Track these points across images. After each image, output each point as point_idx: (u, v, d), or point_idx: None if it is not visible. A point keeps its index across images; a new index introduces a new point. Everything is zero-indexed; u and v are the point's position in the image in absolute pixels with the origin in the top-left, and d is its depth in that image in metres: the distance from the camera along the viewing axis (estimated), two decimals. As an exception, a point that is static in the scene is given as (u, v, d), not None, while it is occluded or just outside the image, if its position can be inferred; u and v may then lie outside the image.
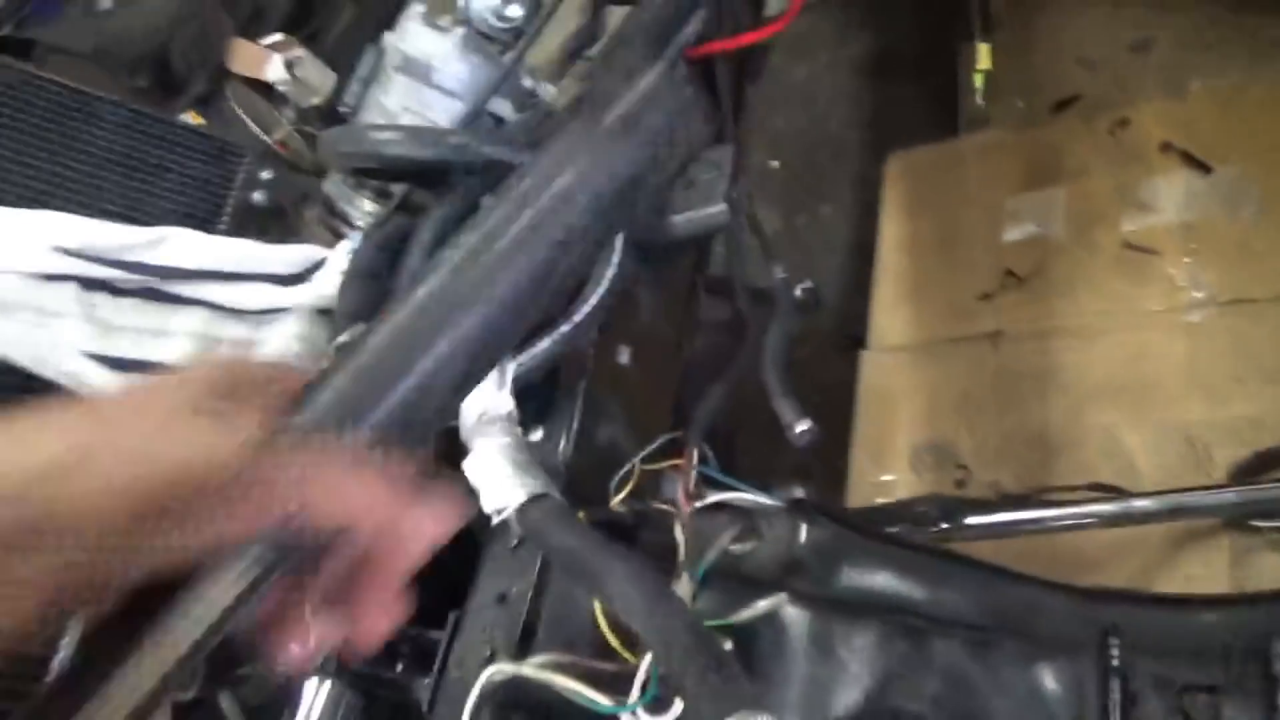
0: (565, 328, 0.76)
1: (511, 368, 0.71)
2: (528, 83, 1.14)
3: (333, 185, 1.19)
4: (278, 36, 1.29)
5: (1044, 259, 1.53)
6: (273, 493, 0.33)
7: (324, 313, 1.04)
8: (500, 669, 0.71)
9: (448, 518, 0.37)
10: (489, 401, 0.70)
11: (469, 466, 0.70)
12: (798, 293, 1.74)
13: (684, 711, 0.56)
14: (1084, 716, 0.62)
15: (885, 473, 1.47)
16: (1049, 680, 0.65)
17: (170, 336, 0.98)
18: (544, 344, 0.76)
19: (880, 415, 1.53)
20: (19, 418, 0.34)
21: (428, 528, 0.36)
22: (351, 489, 0.35)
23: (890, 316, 1.64)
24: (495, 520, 0.69)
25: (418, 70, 1.11)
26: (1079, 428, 1.35)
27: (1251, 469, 1.07)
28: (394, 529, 0.36)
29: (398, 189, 1.16)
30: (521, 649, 0.72)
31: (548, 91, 1.14)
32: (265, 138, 1.28)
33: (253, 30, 1.48)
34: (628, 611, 0.64)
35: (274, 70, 1.35)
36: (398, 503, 0.36)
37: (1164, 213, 1.45)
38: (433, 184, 1.01)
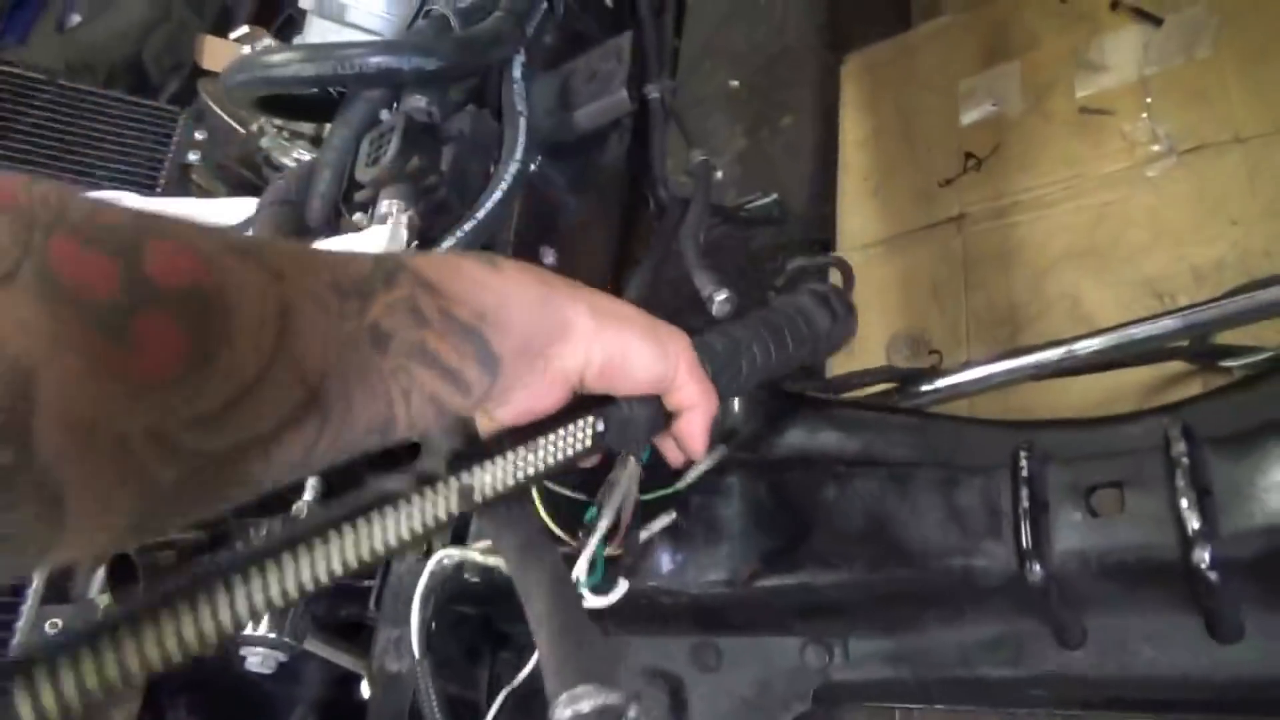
0: (467, 226, 0.77)
1: (413, 267, 0.72)
2: (440, 6, 1.13)
3: (269, 140, 1.21)
4: (245, 29, 1.29)
5: (1001, 136, 1.51)
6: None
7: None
8: (447, 553, 0.72)
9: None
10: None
11: None
12: (766, 200, 1.73)
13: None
14: (998, 528, 0.63)
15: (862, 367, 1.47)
16: (964, 499, 0.66)
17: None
18: (445, 245, 0.77)
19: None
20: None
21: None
22: (701, 391, 0.55)
23: (857, 216, 1.63)
24: None
25: (332, 10, 1.11)
26: (1044, 298, 1.34)
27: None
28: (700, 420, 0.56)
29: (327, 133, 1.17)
30: (457, 539, 0.74)
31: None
32: (242, 130, 1.29)
33: (223, 26, 1.49)
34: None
35: (244, 64, 1.36)
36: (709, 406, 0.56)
37: (1118, 71, 1.42)
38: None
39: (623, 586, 0.66)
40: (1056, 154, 1.43)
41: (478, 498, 0.47)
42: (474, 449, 0.49)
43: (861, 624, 0.71)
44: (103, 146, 1.11)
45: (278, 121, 1.18)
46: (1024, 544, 0.61)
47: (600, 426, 0.53)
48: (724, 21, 2.05)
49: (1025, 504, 0.61)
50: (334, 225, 0.84)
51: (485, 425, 0.52)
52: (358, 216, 0.79)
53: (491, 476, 0.48)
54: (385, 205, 0.76)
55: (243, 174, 1.21)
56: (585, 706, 0.46)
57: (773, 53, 1.98)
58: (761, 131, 1.90)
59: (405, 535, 0.44)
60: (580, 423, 0.52)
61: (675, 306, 0.88)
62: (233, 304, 0.34)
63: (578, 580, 0.64)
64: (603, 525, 0.63)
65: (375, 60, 0.80)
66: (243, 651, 0.72)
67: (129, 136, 1.13)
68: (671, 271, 0.97)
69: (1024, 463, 0.63)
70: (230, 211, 1.09)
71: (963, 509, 0.65)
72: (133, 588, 0.69)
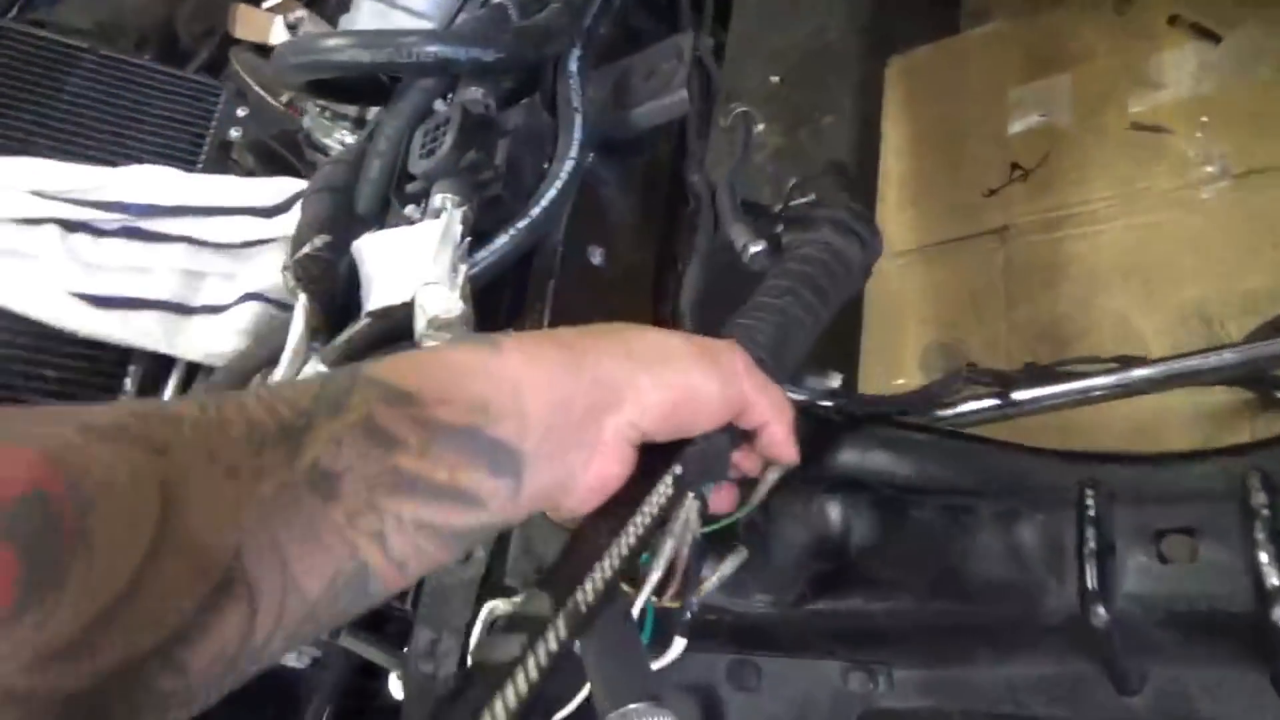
0: (521, 224, 0.75)
1: (464, 269, 0.70)
2: (496, -4, 1.11)
3: (310, 119, 1.19)
4: (278, -1, 1.28)
5: (1050, 148, 1.48)
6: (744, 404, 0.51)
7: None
8: (496, 605, 0.68)
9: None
10: (441, 304, 0.69)
11: None
12: (804, 201, 1.71)
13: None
14: (1061, 569, 0.61)
15: (897, 377, 1.45)
16: (1026, 537, 0.64)
17: (152, 273, 0.99)
18: (500, 242, 0.75)
19: (889, 321, 1.51)
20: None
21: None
22: (773, 402, 0.53)
23: (895, 223, 1.60)
24: None
25: (382, -9, 1.09)
26: (1089, 316, 1.32)
27: (1263, 337, 1.03)
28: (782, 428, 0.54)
29: (373, 116, 1.15)
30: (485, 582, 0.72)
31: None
32: (272, 101, 1.28)
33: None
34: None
35: (277, 33, 1.35)
36: (785, 412, 0.54)
37: (1173, 88, 1.39)
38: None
39: (679, 646, 0.59)
40: (1107, 170, 1.40)
41: (584, 609, 0.42)
42: (568, 565, 0.43)
43: (908, 653, 0.69)
44: (144, 120, 1.10)
45: (321, 102, 1.17)
46: (1089, 585, 0.59)
47: (679, 470, 0.49)
48: (767, 17, 2.02)
49: (1092, 544, 0.60)
50: (382, 216, 0.83)
51: (559, 516, 0.47)
52: (409, 209, 0.78)
53: (593, 585, 0.42)
54: (439, 199, 0.75)
55: (282, 153, 1.20)
56: None
57: (815, 51, 1.95)
58: (801, 130, 1.88)
59: (528, 693, 0.38)
60: (660, 484, 0.47)
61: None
62: (90, 500, 0.29)
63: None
64: (654, 577, 0.53)
65: (433, 49, 0.78)
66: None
67: (171, 110, 1.11)
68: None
69: (1090, 501, 0.61)
70: (271, 192, 1.07)
71: (1024, 545, 0.63)
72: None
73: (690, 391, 0.47)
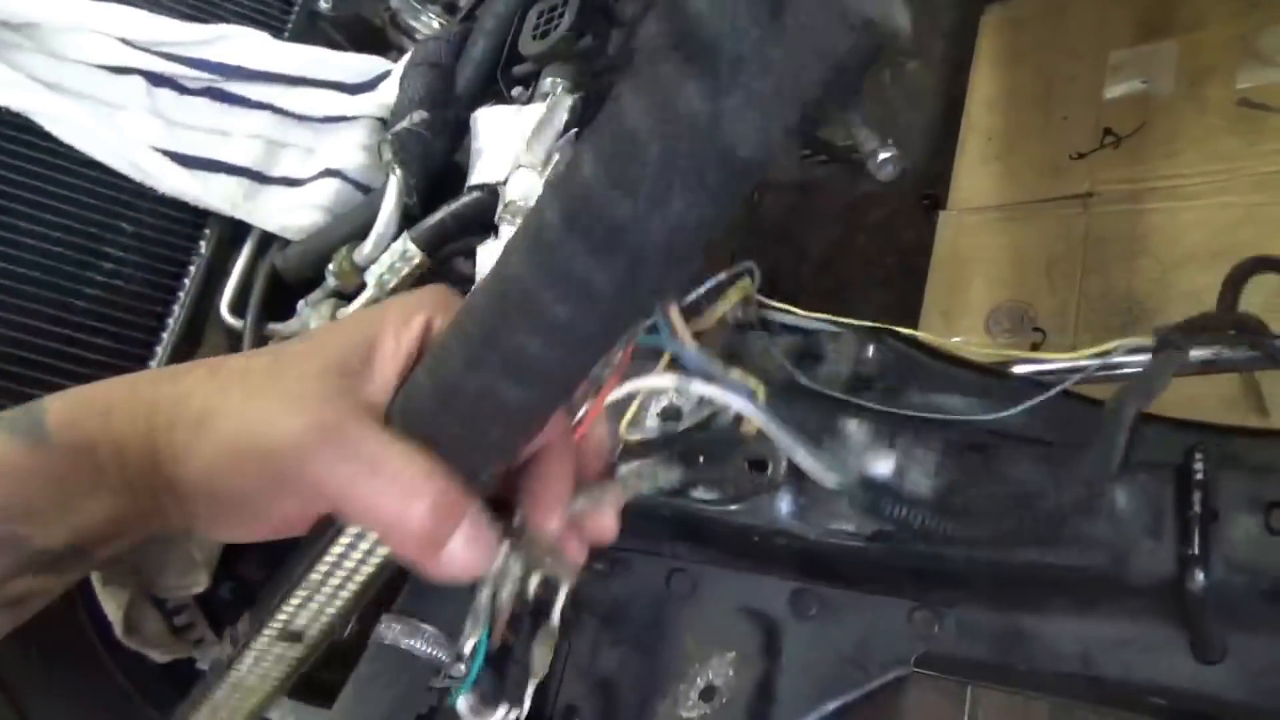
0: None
1: (559, 160, 0.68)
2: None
3: (399, 0, 1.16)
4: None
5: (1147, 117, 1.42)
6: (319, 489, 0.34)
7: (384, 123, 1.02)
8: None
9: (474, 562, 0.35)
10: (522, 189, 0.67)
11: (482, 250, 0.67)
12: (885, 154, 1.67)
13: None
14: (1159, 528, 0.59)
15: (957, 334, 1.42)
16: (1124, 496, 0.62)
17: (233, 137, 0.97)
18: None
19: (956, 277, 1.47)
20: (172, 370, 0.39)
21: (454, 563, 0.35)
22: (392, 503, 0.33)
23: (974, 177, 1.55)
24: None
25: None
26: (1166, 293, 1.28)
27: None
28: (419, 549, 0.34)
29: (464, 2, 1.12)
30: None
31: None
32: None
33: None
34: None
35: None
36: (435, 530, 0.34)
37: (1288, 66, 1.33)
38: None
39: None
40: (1207, 144, 1.35)
41: (313, 633, 0.40)
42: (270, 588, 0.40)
43: (980, 597, 0.68)
44: (233, -20, 1.06)
45: (414, -19, 1.13)
46: (1191, 549, 0.57)
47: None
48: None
49: (1196, 508, 0.58)
50: (483, 96, 0.80)
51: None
52: (516, 91, 0.75)
53: (307, 608, 0.39)
54: (548, 83, 0.72)
55: (368, 30, 1.17)
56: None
57: (908, -8, 1.88)
58: (883, 73, 1.82)
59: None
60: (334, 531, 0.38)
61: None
62: None
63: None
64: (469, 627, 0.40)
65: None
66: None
67: (261, -27, 1.08)
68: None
69: (1199, 465, 0.59)
70: (357, 68, 1.05)
71: (1121, 507, 0.62)
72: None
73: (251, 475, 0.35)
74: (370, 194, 0.89)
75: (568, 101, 0.69)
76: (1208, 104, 1.38)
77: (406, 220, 0.74)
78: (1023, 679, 0.67)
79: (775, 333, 0.90)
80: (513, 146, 0.69)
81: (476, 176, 0.70)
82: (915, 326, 1.44)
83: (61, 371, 0.80)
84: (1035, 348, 1.34)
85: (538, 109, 0.69)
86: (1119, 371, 0.87)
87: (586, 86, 0.73)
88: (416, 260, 0.72)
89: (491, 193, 0.68)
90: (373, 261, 0.74)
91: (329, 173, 0.96)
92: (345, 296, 0.78)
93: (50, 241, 0.84)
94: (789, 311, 0.88)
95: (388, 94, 1.00)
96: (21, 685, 0.83)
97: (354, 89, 1.03)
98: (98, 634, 0.88)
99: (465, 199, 0.70)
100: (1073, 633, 0.65)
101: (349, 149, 0.98)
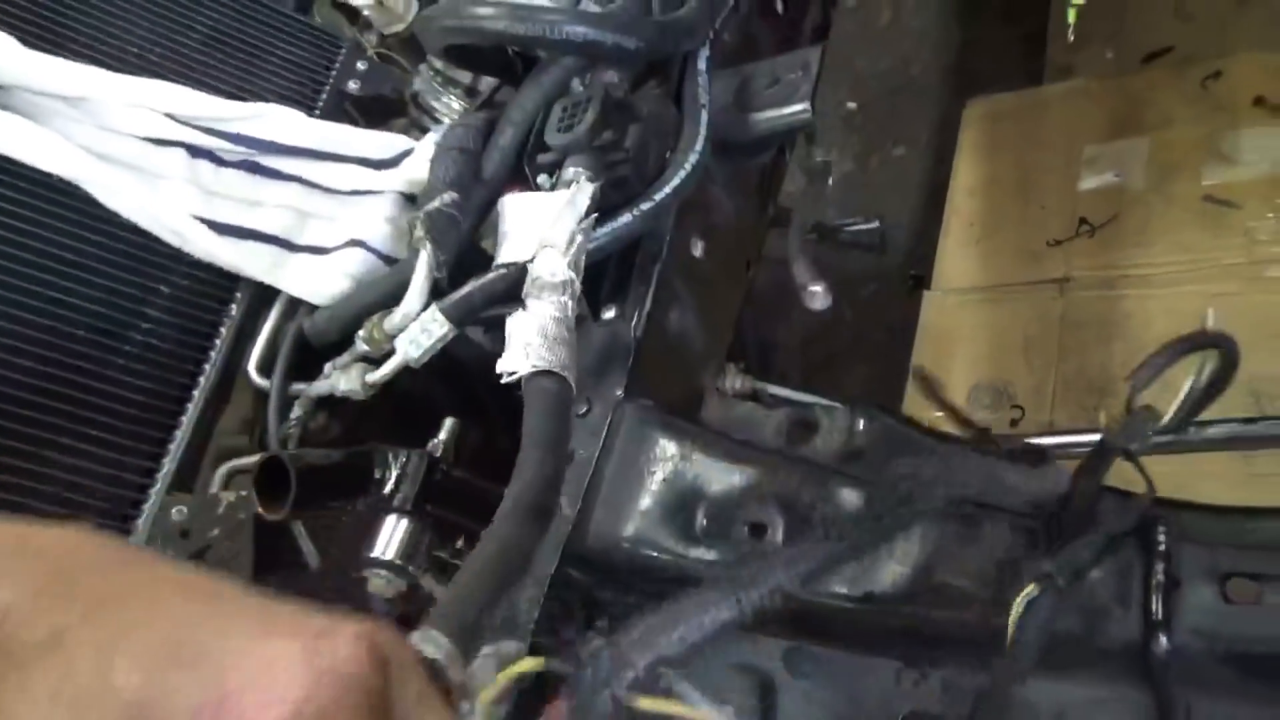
0: (645, 205, 0.79)
1: (580, 240, 0.74)
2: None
3: (423, 81, 1.23)
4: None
5: (1120, 208, 1.51)
6: None
7: (410, 199, 1.08)
8: None
9: None
10: (549, 268, 0.72)
11: (511, 322, 0.72)
12: (868, 227, 1.75)
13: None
14: (1126, 596, 0.65)
15: (938, 409, 1.48)
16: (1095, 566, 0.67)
17: (265, 207, 1.03)
18: (622, 220, 0.79)
19: (938, 354, 1.54)
20: None
21: None
22: None
23: (957, 259, 1.64)
24: (504, 380, 0.70)
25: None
26: (1141, 375, 1.35)
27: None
28: None
29: (485, 86, 1.19)
30: (585, 507, 0.76)
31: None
32: (368, 51, 1.31)
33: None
34: (502, 506, 0.61)
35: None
36: None
37: (1249, 166, 1.43)
38: (514, 77, 1.04)
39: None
40: (1174, 237, 1.43)
41: None
42: None
43: (963, 658, 0.72)
44: (269, 61, 1.13)
45: (437, 65, 1.21)
46: (1153, 615, 0.62)
47: None
48: (851, 43, 2.06)
49: (1160, 577, 0.63)
50: (507, 180, 0.87)
51: None
52: (541, 179, 0.82)
53: None
54: (570, 172, 0.79)
55: (390, 110, 1.24)
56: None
57: (896, 84, 1.99)
58: (872, 158, 1.91)
59: None
60: None
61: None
62: None
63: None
64: None
65: (582, 31, 0.82)
66: (366, 573, 0.75)
67: (295, 55, 1.15)
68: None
69: (1161, 537, 0.65)
70: (382, 145, 1.11)
71: (1091, 576, 0.67)
72: (284, 494, 0.72)
73: None
74: (396, 265, 0.95)
75: (589, 189, 0.76)
76: (1175, 198, 1.48)
77: (434, 293, 0.80)
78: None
79: (769, 405, 0.96)
80: (537, 229, 0.75)
81: (503, 256, 0.76)
82: (900, 400, 1.51)
83: (100, 425, 0.84)
84: (1014, 424, 1.40)
85: (562, 195, 0.75)
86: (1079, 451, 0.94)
87: (604, 175, 0.80)
88: (443, 331, 0.77)
89: (518, 270, 0.74)
90: (401, 330, 0.79)
91: (354, 243, 1.02)
92: (373, 361, 0.83)
93: (94, 301, 0.89)
94: (781, 389, 0.95)
95: (411, 170, 1.07)
96: None
97: (378, 164, 1.10)
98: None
99: (492, 275, 0.76)
100: (1049, 693, 0.70)
101: (374, 221, 1.04)
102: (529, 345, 0.67)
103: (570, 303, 0.71)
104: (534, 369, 0.66)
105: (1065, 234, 1.55)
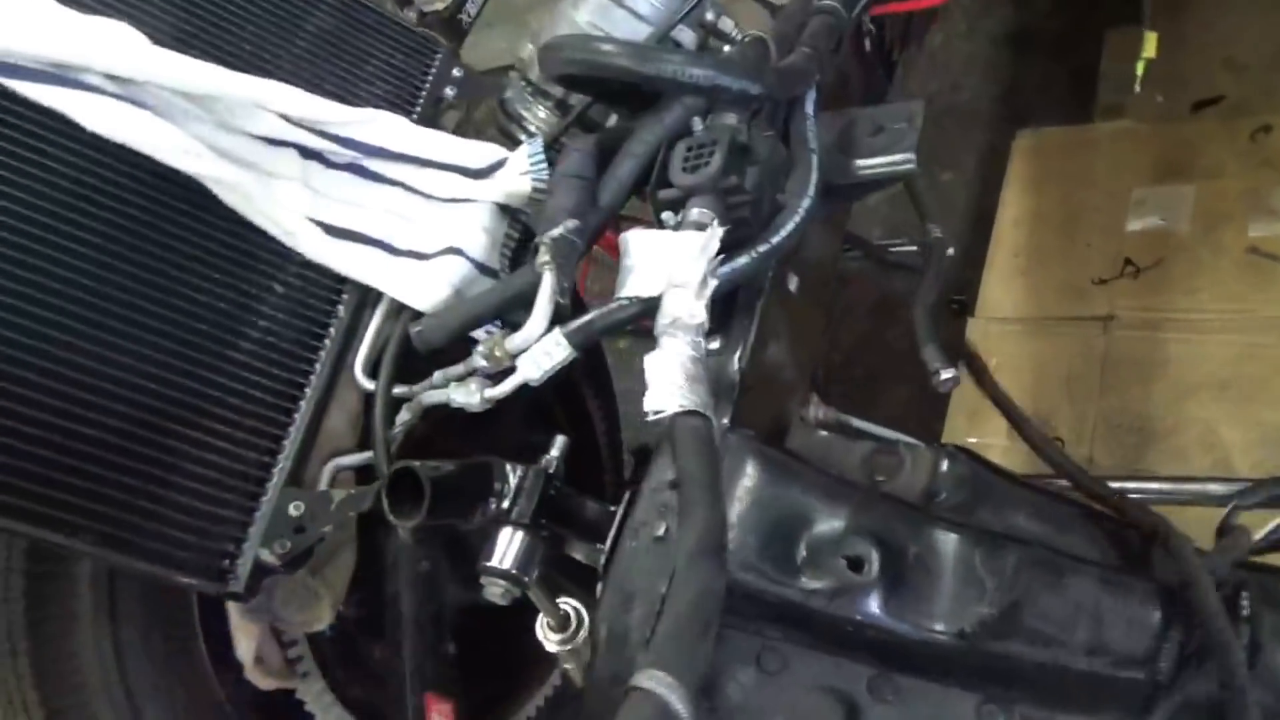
0: (763, 248, 0.83)
1: (713, 283, 0.78)
2: (710, 15, 1.19)
3: (513, 91, 1.26)
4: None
5: (1166, 253, 1.56)
6: None
7: (503, 209, 1.12)
8: None
9: None
10: (687, 308, 0.76)
11: (650, 361, 0.76)
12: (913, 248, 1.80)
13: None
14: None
15: (980, 436, 1.53)
16: (1178, 619, 0.72)
17: (368, 211, 1.07)
18: (743, 261, 0.83)
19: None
20: None
21: None
22: None
23: (1002, 289, 1.68)
24: (650, 419, 0.74)
25: (613, -13, 1.15)
26: (1179, 418, 1.41)
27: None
28: None
29: (576, 101, 1.22)
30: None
31: (727, 24, 1.19)
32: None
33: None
34: (680, 545, 0.65)
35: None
36: None
37: (1295, 222, 1.48)
38: (619, 101, 1.08)
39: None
40: (1218, 285, 1.48)
41: None
42: None
43: (1041, 697, 0.77)
44: (371, 64, 1.16)
45: (533, 78, 1.24)
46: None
47: None
48: (903, 66, 2.09)
49: (1245, 639, 0.68)
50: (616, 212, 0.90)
51: None
52: (665, 215, 0.86)
53: None
54: (697, 213, 0.82)
55: (477, 117, 1.27)
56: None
57: (945, 107, 2.03)
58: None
59: None
60: None
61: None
62: None
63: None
64: None
65: (707, 74, 0.86)
66: (484, 581, 0.79)
67: (395, 60, 1.18)
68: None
69: (1245, 602, 0.70)
70: (479, 155, 1.15)
71: (1173, 628, 0.72)
72: (412, 502, 0.76)
73: None
74: (501, 281, 0.99)
75: (720, 233, 0.80)
76: (1221, 248, 1.53)
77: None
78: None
79: (851, 437, 1.01)
80: (664, 266, 0.79)
81: (628, 290, 0.80)
82: (941, 425, 1.56)
83: (222, 419, 0.88)
84: (1054, 456, 1.45)
85: (693, 237, 0.79)
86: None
87: (727, 216, 0.83)
88: (565, 355, 0.81)
89: (643, 304, 0.78)
90: (522, 351, 0.83)
91: (452, 250, 1.06)
92: (490, 377, 0.87)
93: (214, 296, 0.92)
94: (864, 423, 0.99)
95: (505, 182, 1.10)
96: (143, 703, 0.90)
97: (474, 174, 1.14)
98: (211, 660, 0.95)
99: (614, 305, 0.80)
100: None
101: (471, 230, 1.08)
102: (676, 385, 0.71)
103: (703, 343, 0.75)
104: (681, 408, 0.70)
105: (1110, 273, 1.59)
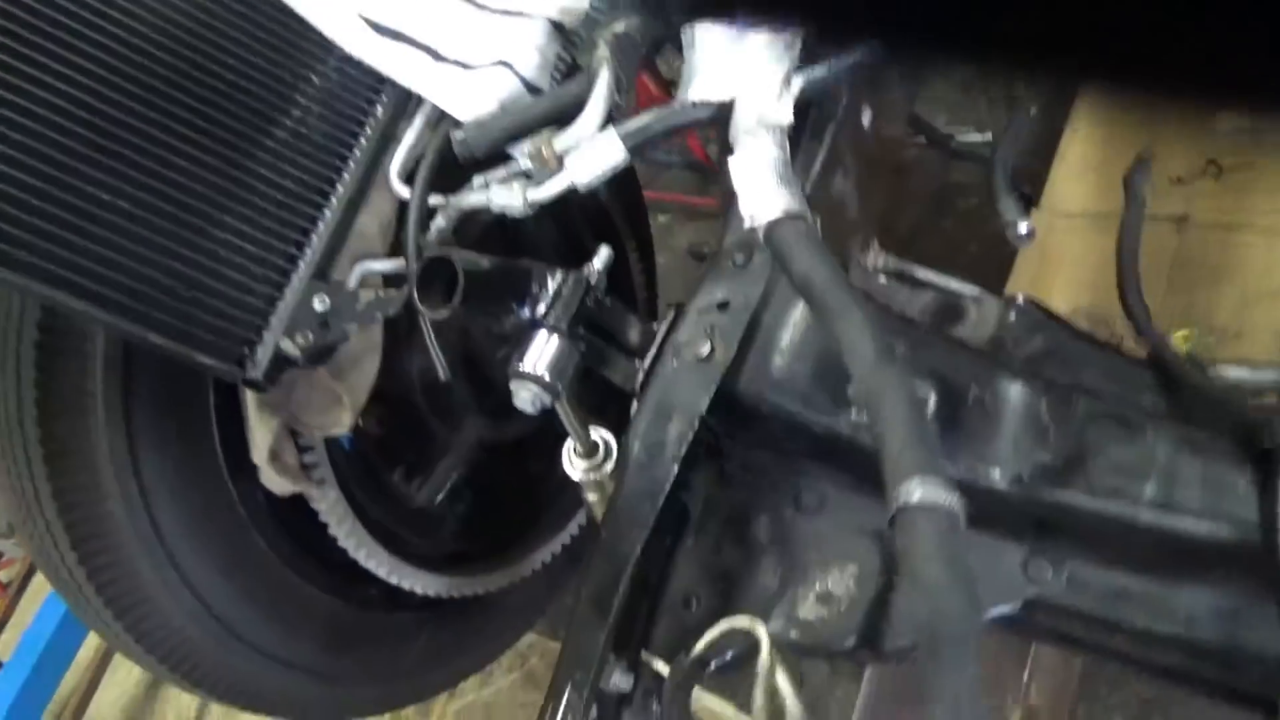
0: (847, 59, 0.76)
1: (799, 81, 0.71)
2: None
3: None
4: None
5: (1255, 157, 1.46)
6: None
7: (557, 28, 1.04)
8: None
9: None
10: (770, 107, 0.70)
11: (735, 164, 0.70)
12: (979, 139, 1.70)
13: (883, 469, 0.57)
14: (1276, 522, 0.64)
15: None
16: (1247, 476, 0.67)
17: (419, 13, 1.00)
18: (818, 70, 0.76)
19: (1040, 275, 1.51)
20: None
21: None
22: None
23: (1072, 181, 1.59)
24: (746, 225, 0.70)
25: None
26: (1247, 323, 1.33)
27: None
28: None
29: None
30: (739, 354, 0.75)
31: None
32: None
33: None
34: (850, 356, 0.62)
35: None
36: None
37: (1401, 127, 1.37)
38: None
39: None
40: (1308, 189, 1.39)
41: None
42: None
43: (1098, 552, 0.73)
44: None
45: None
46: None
47: None
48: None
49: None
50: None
51: None
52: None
53: None
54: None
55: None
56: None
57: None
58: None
59: None
60: None
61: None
62: None
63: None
64: None
65: None
66: (514, 385, 0.75)
67: None
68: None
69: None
70: None
71: (1246, 485, 0.67)
72: (444, 294, 0.71)
73: None
74: (555, 89, 0.92)
75: (799, 43, 0.72)
76: (1315, 151, 1.42)
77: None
78: (1113, 646, 0.73)
79: (913, 286, 0.95)
80: (738, 67, 0.72)
81: (695, 92, 0.74)
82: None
83: (251, 205, 0.83)
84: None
85: (768, 36, 0.72)
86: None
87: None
88: (619, 158, 0.75)
89: (713, 109, 0.72)
90: (572, 150, 0.77)
91: (501, 64, 0.99)
92: (532, 178, 0.81)
93: (249, 80, 0.86)
94: (930, 273, 0.93)
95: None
96: (156, 497, 0.87)
97: (531, -15, 1.06)
98: (225, 460, 0.92)
99: (678, 108, 0.74)
100: (1184, 597, 0.70)
101: (523, 45, 1.00)
102: (771, 187, 0.65)
103: (787, 145, 0.69)
104: (786, 212, 0.65)
105: (1190, 172, 1.50)
